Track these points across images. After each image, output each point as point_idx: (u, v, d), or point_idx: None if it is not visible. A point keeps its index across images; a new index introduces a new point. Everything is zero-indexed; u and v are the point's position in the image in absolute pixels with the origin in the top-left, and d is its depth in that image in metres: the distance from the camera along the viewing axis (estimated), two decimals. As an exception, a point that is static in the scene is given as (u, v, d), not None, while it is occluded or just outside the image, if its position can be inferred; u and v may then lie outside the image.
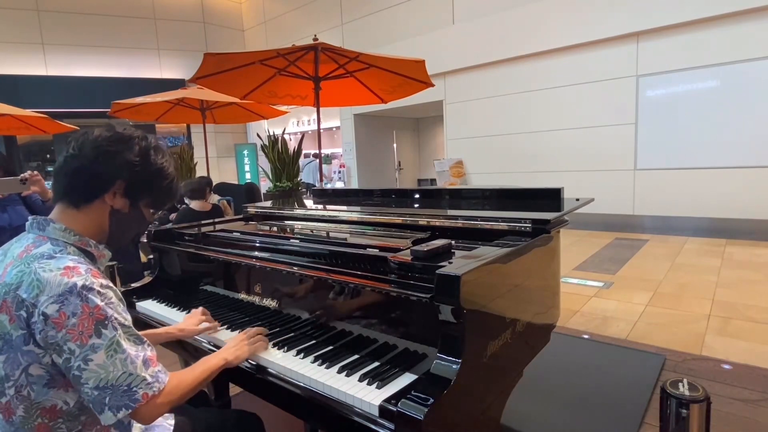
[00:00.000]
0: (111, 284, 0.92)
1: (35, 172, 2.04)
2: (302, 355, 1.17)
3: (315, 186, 7.61)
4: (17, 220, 2.19)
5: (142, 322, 1.60)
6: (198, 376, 1.02)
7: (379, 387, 0.99)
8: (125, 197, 1.00)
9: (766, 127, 5.29)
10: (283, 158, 6.11)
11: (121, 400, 0.85)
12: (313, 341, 1.25)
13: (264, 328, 1.29)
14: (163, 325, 1.52)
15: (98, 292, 0.86)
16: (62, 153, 0.98)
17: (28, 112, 5.81)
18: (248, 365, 1.20)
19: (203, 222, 2.27)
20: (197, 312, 1.42)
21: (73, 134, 1.00)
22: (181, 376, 0.98)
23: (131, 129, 1.03)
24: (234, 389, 1.83)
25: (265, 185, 7.63)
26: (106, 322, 0.85)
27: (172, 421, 1.12)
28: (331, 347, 1.21)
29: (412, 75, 4.36)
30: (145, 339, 0.93)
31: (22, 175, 1.96)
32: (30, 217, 0.97)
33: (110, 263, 2.35)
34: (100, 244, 1.01)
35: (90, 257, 0.97)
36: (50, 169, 10.59)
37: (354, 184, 10.31)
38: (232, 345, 1.17)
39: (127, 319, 0.91)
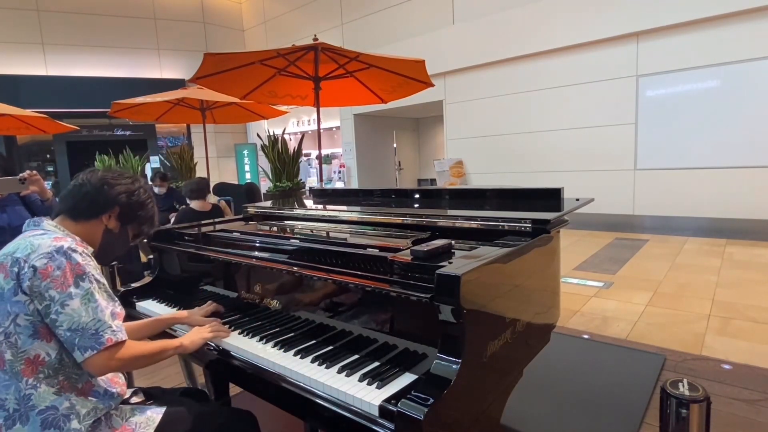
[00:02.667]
0: (92, 257, 1.11)
1: (34, 172, 2.03)
2: (302, 355, 1.17)
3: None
4: (16, 220, 2.18)
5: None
6: (150, 349, 1.14)
7: (379, 387, 0.99)
8: (118, 220, 1.23)
9: (766, 127, 5.29)
10: (283, 158, 6.11)
11: (89, 342, 1.00)
12: (313, 341, 1.25)
13: (227, 330, 1.38)
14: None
15: (81, 254, 1.05)
16: (72, 182, 1.21)
17: (28, 112, 5.81)
18: (248, 365, 1.21)
19: (203, 222, 2.27)
20: (209, 306, 1.51)
21: (81, 172, 1.24)
22: (135, 344, 1.12)
23: (130, 173, 1.30)
24: (234, 389, 1.83)
25: (265, 185, 7.63)
26: (84, 276, 1.03)
27: (163, 408, 1.14)
28: (330, 347, 1.21)
29: (412, 75, 4.36)
30: (117, 299, 1.10)
31: (21, 174, 1.96)
32: (27, 220, 1.15)
33: (110, 263, 2.35)
34: (84, 242, 1.15)
35: None
36: (50, 168, 10.60)
37: (354, 184, 10.31)
38: (192, 333, 1.31)
39: (103, 279, 1.09)
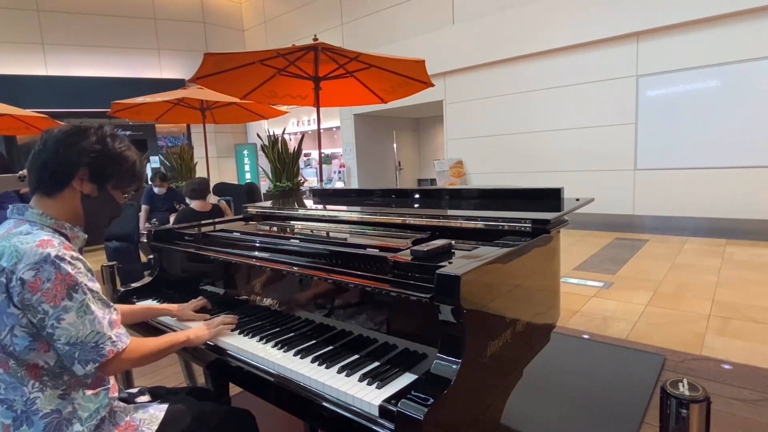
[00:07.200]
0: (81, 257, 1.02)
1: None
2: (302, 355, 1.17)
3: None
4: None
5: (142, 322, 1.59)
6: (159, 345, 1.14)
7: (379, 387, 0.99)
8: (92, 182, 1.09)
9: (766, 127, 5.29)
10: (283, 158, 6.11)
11: (89, 355, 0.97)
12: (313, 341, 1.25)
13: (234, 316, 1.40)
14: (163, 324, 1.53)
15: (69, 261, 0.97)
16: (32, 151, 1.07)
17: (28, 112, 5.82)
18: (248, 365, 1.20)
19: (203, 222, 2.27)
20: (199, 302, 1.55)
21: (41, 134, 1.09)
22: (142, 341, 1.10)
23: (90, 122, 1.12)
24: (234, 389, 1.83)
25: (265, 185, 7.63)
26: (77, 287, 0.97)
27: (165, 406, 1.14)
28: (330, 347, 1.21)
29: (412, 75, 4.36)
30: (112, 304, 1.05)
31: (20, 172, 1.95)
32: (10, 206, 1.06)
33: (110, 263, 2.33)
34: (75, 227, 1.09)
35: (65, 238, 1.05)
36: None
37: (354, 184, 10.31)
38: (198, 328, 1.31)
39: (96, 286, 1.02)
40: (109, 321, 1.01)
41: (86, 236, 1.13)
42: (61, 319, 0.94)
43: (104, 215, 1.15)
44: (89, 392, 1.03)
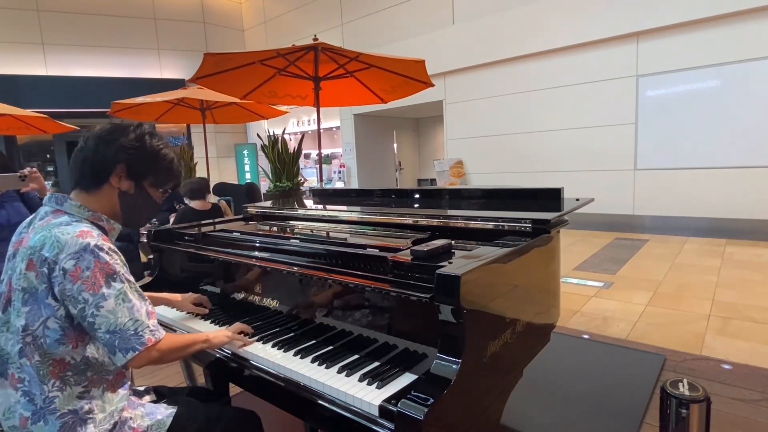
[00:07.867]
0: (117, 250, 1.05)
1: (34, 169, 2.02)
2: (302, 355, 1.17)
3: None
4: (15, 217, 2.17)
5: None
6: (184, 342, 1.14)
7: (379, 387, 0.99)
8: (129, 179, 1.12)
9: (766, 127, 5.29)
10: (283, 158, 6.10)
11: (129, 343, 0.98)
12: (313, 341, 1.25)
13: (248, 326, 1.35)
14: (163, 325, 1.53)
15: (107, 252, 1.00)
16: (75, 148, 1.11)
17: (28, 112, 5.81)
18: (248, 366, 1.20)
19: (203, 222, 2.27)
20: (196, 296, 1.58)
21: (83, 132, 1.13)
22: (173, 336, 1.11)
23: (130, 121, 1.15)
24: (234, 389, 1.83)
25: (265, 185, 7.63)
26: (115, 276, 1.00)
27: (173, 410, 1.14)
28: (330, 347, 1.21)
29: (412, 75, 4.36)
30: (147, 298, 1.07)
31: (21, 171, 1.95)
32: (49, 193, 1.08)
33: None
34: (111, 220, 1.12)
35: (102, 231, 1.07)
36: (50, 168, 10.59)
37: (354, 184, 10.31)
38: (215, 330, 1.30)
39: (132, 278, 1.05)
40: (146, 311, 1.03)
41: (121, 227, 1.16)
42: (100, 307, 0.96)
43: (141, 212, 1.18)
44: (108, 392, 1.05)
